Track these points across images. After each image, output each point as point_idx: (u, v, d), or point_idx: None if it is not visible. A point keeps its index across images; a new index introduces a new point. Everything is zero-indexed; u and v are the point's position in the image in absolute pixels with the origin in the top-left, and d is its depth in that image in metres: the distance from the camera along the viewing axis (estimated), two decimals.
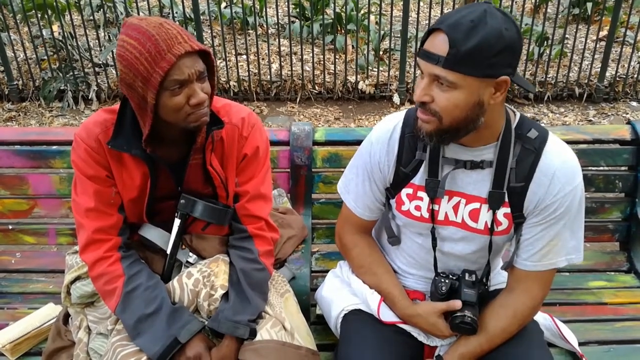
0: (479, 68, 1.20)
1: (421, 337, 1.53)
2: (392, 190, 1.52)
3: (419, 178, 1.46)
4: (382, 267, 1.60)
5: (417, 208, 1.48)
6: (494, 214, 1.42)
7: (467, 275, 1.48)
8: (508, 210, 1.41)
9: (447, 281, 1.48)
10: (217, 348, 1.45)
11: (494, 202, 1.40)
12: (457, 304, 1.44)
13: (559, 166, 1.36)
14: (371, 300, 1.56)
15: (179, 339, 1.41)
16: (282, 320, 1.50)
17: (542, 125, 1.45)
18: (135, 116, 1.41)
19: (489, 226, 1.43)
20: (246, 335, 1.44)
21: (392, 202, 1.53)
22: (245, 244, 1.57)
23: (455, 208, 1.45)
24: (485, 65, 1.19)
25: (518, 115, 1.41)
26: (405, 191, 1.49)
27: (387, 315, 1.54)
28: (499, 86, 1.25)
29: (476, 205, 1.43)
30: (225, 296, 1.51)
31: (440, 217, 1.47)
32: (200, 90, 1.32)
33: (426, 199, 1.46)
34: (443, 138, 1.31)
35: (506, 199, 1.40)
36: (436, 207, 1.46)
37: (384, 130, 1.50)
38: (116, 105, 1.46)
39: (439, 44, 1.21)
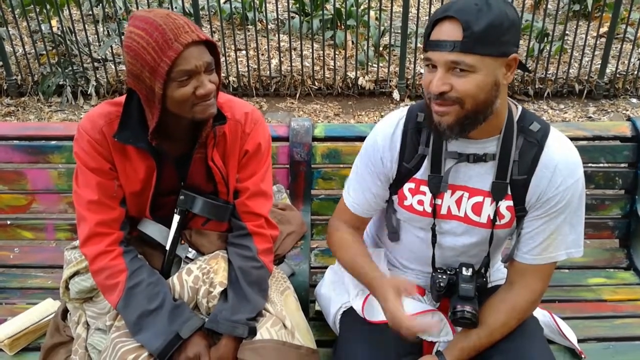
0: (494, 47, 1.21)
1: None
2: (394, 185, 1.52)
3: (422, 173, 1.46)
4: (359, 247, 1.57)
5: (420, 203, 1.48)
6: (497, 206, 1.42)
7: (464, 269, 1.49)
8: (511, 203, 1.42)
9: (444, 277, 1.49)
10: (215, 347, 1.45)
11: (497, 193, 1.40)
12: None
13: (561, 159, 1.36)
14: (355, 303, 1.56)
15: (180, 335, 1.41)
16: (282, 318, 1.50)
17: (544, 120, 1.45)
18: (142, 109, 1.40)
19: (492, 219, 1.43)
20: (245, 334, 1.43)
21: (395, 197, 1.53)
22: (244, 241, 1.57)
23: (458, 202, 1.45)
24: (499, 43, 1.21)
25: (520, 108, 1.42)
26: (407, 186, 1.49)
27: (371, 315, 1.53)
28: (510, 65, 1.26)
29: (479, 198, 1.43)
30: (224, 296, 1.51)
31: (443, 211, 1.47)
32: (208, 82, 1.32)
33: (429, 193, 1.46)
34: (465, 126, 1.30)
35: (509, 192, 1.40)
36: (439, 201, 1.46)
37: (387, 126, 1.50)
38: (120, 98, 1.45)
39: (450, 31, 1.22)
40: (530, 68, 5.12)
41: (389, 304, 1.36)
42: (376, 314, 1.51)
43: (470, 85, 1.23)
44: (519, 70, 1.33)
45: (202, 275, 1.51)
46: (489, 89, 1.25)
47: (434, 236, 1.50)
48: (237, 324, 1.44)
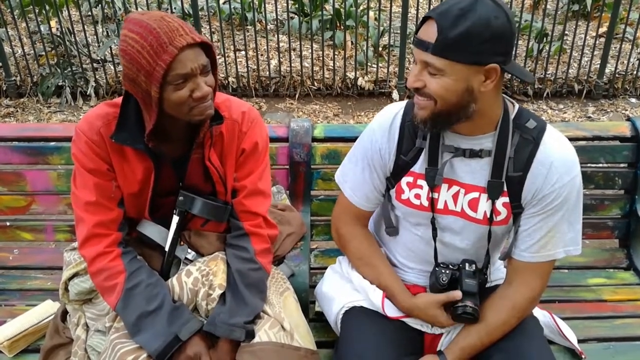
0: (466, 55, 1.23)
1: (424, 327, 1.54)
2: (392, 179, 1.52)
3: (419, 166, 1.47)
4: (380, 260, 1.60)
5: (417, 196, 1.48)
6: (493, 203, 1.42)
7: (467, 265, 1.49)
8: (507, 199, 1.42)
9: (447, 272, 1.49)
10: (213, 350, 1.45)
11: (493, 191, 1.41)
12: (456, 294, 1.45)
13: (557, 157, 1.37)
14: (374, 297, 1.55)
15: (179, 337, 1.41)
16: (281, 320, 1.49)
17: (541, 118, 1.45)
18: (139, 110, 1.40)
19: (488, 216, 1.44)
20: (242, 337, 1.43)
21: (392, 191, 1.53)
22: (241, 242, 1.56)
23: (455, 197, 1.46)
24: (472, 52, 1.22)
25: (517, 106, 1.43)
26: (405, 179, 1.49)
27: (391, 310, 1.54)
28: (489, 74, 1.27)
29: (475, 194, 1.44)
30: (222, 298, 1.50)
31: (440, 205, 1.47)
32: (204, 84, 1.32)
33: (426, 187, 1.46)
34: (436, 123, 1.34)
35: (505, 189, 1.41)
36: (435, 195, 1.46)
37: (385, 118, 1.51)
38: (118, 99, 1.45)
39: (429, 31, 1.25)
40: (529, 68, 5.12)
41: (445, 324, 1.48)
42: (395, 310, 1.54)
43: (438, 87, 1.27)
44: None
45: (202, 278, 1.50)
46: (460, 94, 1.27)
47: (434, 230, 1.50)
48: (235, 328, 1.43)
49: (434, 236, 1.51)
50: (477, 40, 1.21)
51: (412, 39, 4.92)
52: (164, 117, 1.36)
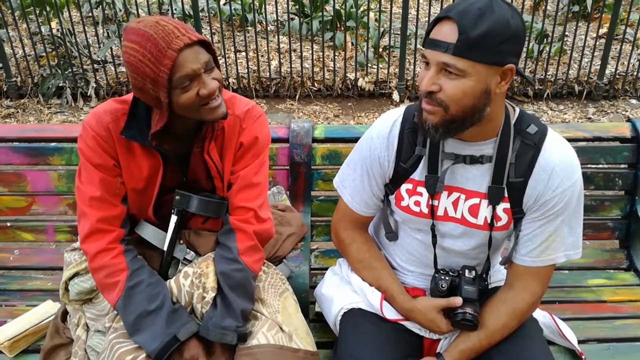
0: (488, 55, 1.21)
1: (422, 332, 1.54)
2: (392, 186, 1.52)
3: (419, 173, 1.46)
4: (380, 262, 1.60)
5: (417, 203, 1.48)
6: (494, 209, 1.42)
7: (467, 271, 1.48)
8: (507, 205, 1.41)
9: (447, 278, 1.48)
10: (210, 354, 1.44)
11: (493, 197, 1.40)
12: (457, 300, 1.44)
13: (558, 161, 1.36)
14: (372, 298, 1.55)
15: (177, 337, 1.40)
16: (279, 322, 1.49)
17: (542, 121, 1.45)
18: (149, 107, 1.41)
19: (489, 222, 1.43)
20: (234, 341, 1.41)
21: (392, 197, 1.53)
22: (226, 240, 1.53)
23: (455, 204, 1.45)
24: (494, 52, 1.20)
25: (517, 110, 1.42)
26: (404, 187, 1.49)
27: (390, 313, 1.54)
28: (505, 75, 1.26)
29: (476, 200, 1.43)
30: (215, 301, 1.49)
31: (440, 212, 1.47)
32: (210, 80, 1.32)
33: (425, 194, 1.46)
34: (449, 129, 1.30)
35: (506, 194, 1.40)
36: (435, 202, 1.46)
37: (384, 126, 1.50)
38: (127, 96, 1.46)
39: (448, 32, 1.21)
40: (529, 69, 5.12)
41: (444, 329, 1.47)
42: (393, 312, 1.54)
43: (457, 90, 1.23)
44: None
45: (195, 280, 1.50)
46: (478, 96, 1.25)
47: (434, 237, 1.50)
48: (227, 331, 1.41)
49: (434, 242, 1.51)
50: (497, 40, 1.19)
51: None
52: (174, 118, 1.37)
